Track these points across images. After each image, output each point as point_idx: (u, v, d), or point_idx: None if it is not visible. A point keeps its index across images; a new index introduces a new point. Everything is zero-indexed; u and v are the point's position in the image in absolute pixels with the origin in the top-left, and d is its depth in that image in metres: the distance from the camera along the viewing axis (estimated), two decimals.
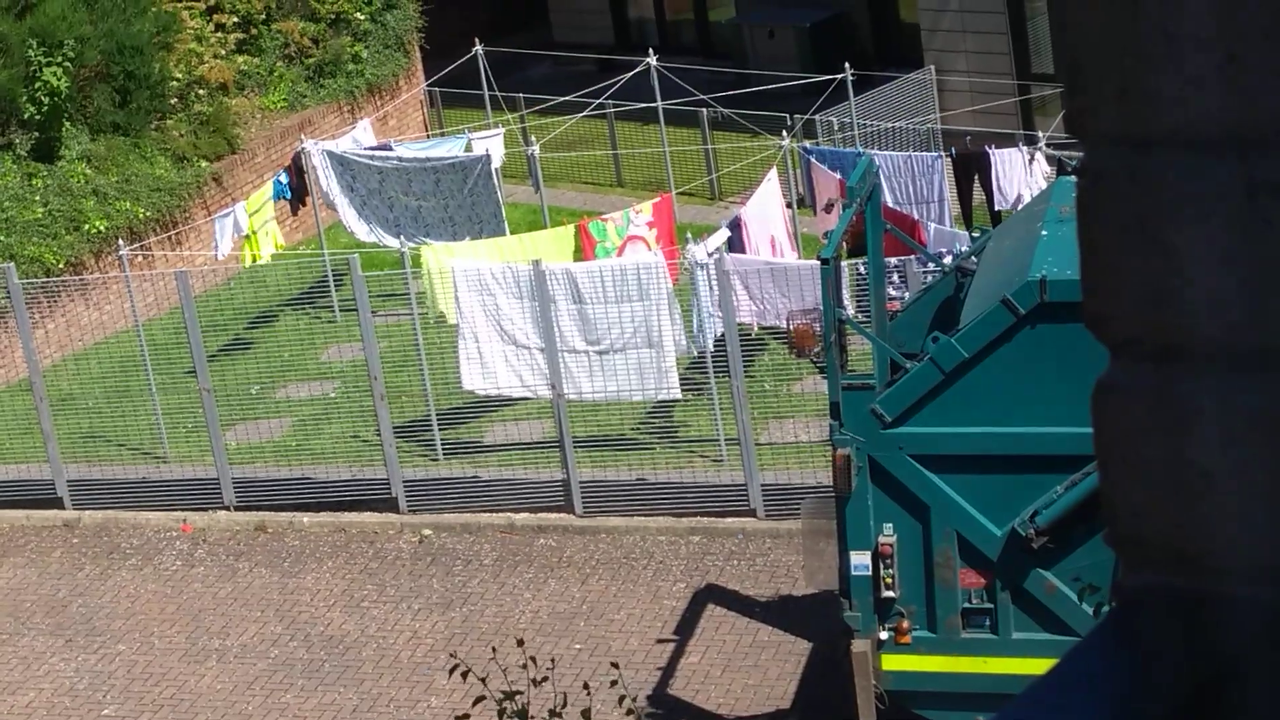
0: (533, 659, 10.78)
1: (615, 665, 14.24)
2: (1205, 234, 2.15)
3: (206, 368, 22.02)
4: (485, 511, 21.11)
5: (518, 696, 9.80)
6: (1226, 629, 2.18)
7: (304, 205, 27.19)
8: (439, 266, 21.99)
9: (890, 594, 14.78)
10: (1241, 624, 2.17)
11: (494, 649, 13.00)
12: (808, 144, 26.28)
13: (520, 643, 11.38)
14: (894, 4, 33.51)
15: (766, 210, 23.33)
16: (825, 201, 23.59)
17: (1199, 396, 2.18)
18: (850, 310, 17.74)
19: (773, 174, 24.27)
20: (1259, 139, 2.11)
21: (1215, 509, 2.20)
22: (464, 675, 10.06)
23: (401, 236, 25.32)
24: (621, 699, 14.14)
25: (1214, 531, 2.20)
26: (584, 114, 30.11)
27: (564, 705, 13.61)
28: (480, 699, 10.00)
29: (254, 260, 25.68)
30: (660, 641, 18.44)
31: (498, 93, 31.18)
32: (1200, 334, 2.17)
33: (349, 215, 26.24)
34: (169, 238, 27.81)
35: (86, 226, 26.67)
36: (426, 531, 20.96)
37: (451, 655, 11.37)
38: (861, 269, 18.78)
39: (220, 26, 30.94)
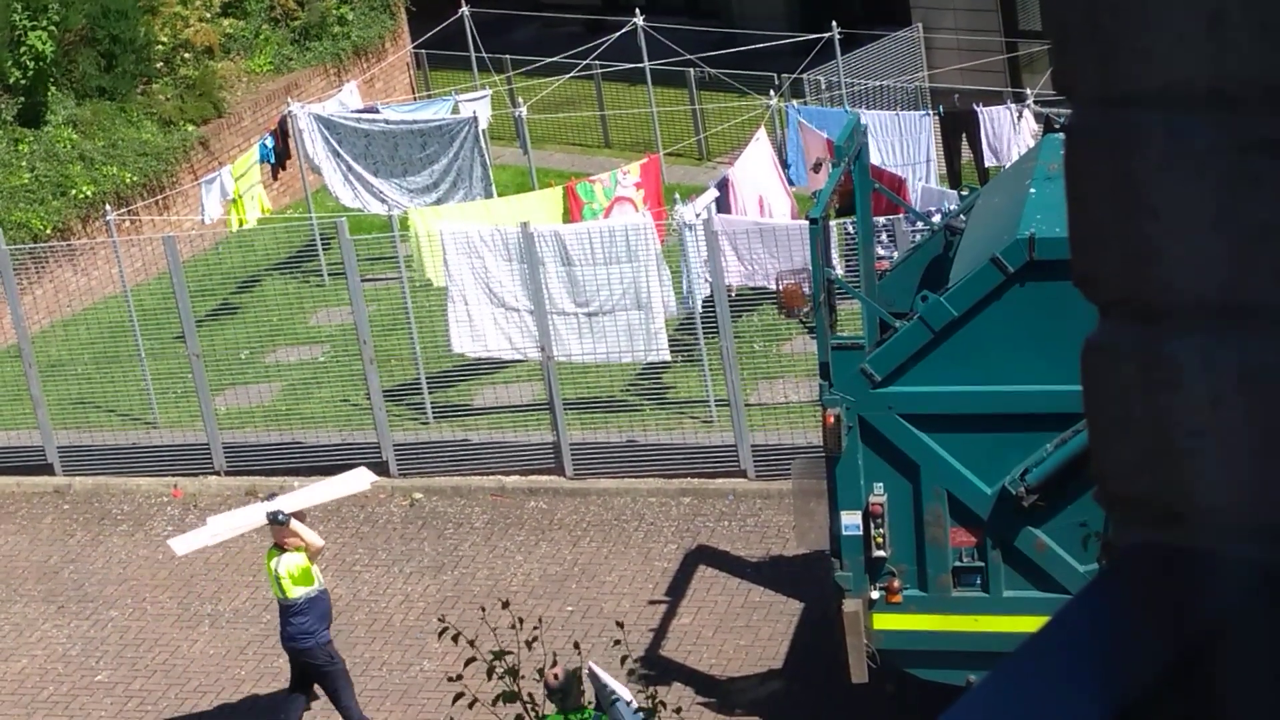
0: (520, 619, 10.80)
1: (620, 624, 14.17)
2: (1193, 193, 2.14)
3: (195, 333, 21.99)
4: (476, 474, 21.11)
5: (507, 656, 9.83)
6: (1214, 587, 2.19)
7: (284, 169, 27.12)
8: (427, 230, 21.96)
9: (881, 553, 14.79)
10: (1230, 582, 2.18)
11: (483, 609, 13.00)
12: (795, 103, 26.24)
13: (505, 604, 11.40)
14: None
15: (756, 170, 23.30)
16: (814, 161, 23.56)
17: (1187, 355, 2.18)
18: (839, 270, 17.73)
19: (761, 133, 24.23)
20: (1246, 97, 2.10)
21: (1204, 467, 2.20)
22: (454, 638, 10.08)
23: (388, 202, 25.28)
24: (624, 659, 14.20)
25: (1203, 489, 2.20)
26: (571, 75, 30.04)
27: (553, 665, 13.71)
28: (471, 660, 10.02)
29: (240, 225, 25.64)
30: (652, 603, 18.46)
31: (484, 54, 31.10)
32: (1188, 293, 2.17)
33: (335, 179, 26.18)
34: (156, 202, 27.75)
35: (73, 192, 26.61)
36: (417, 495, 20.97)
37: (440, 619, 11.38)
38: (850, 228, 18.76)
39: None
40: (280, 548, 16.21)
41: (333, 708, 16.76)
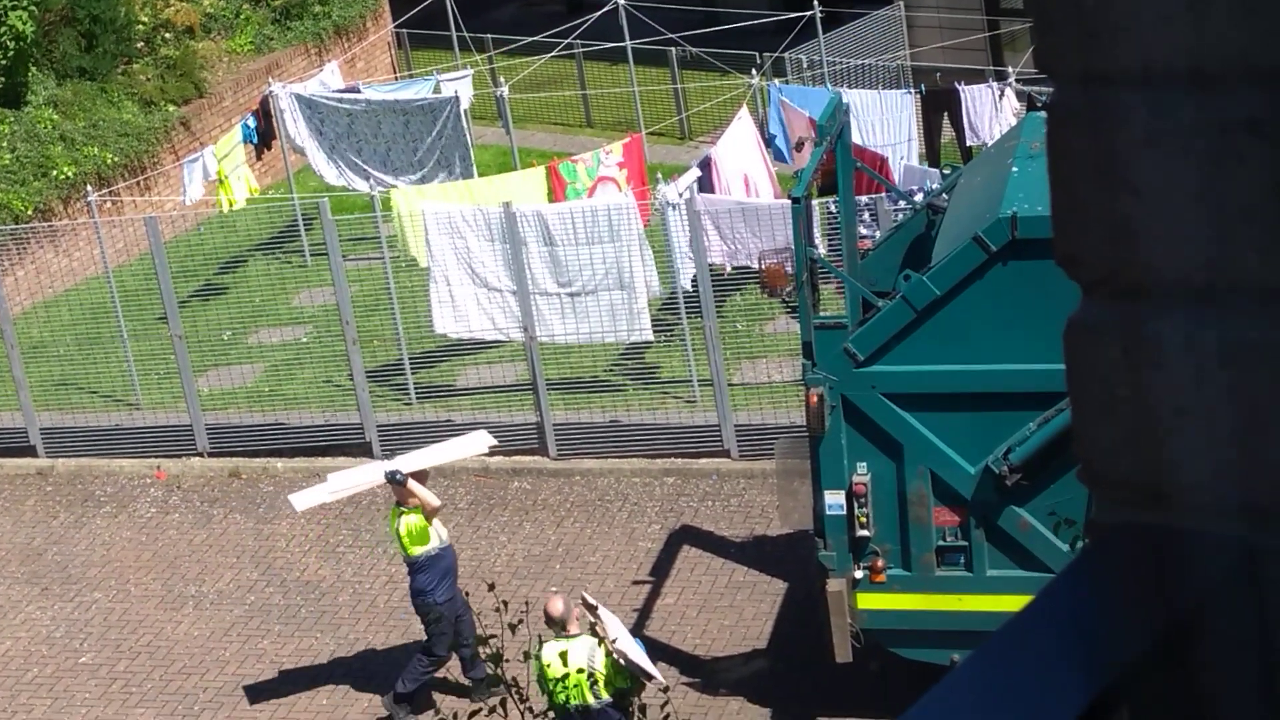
0: (505, 603, 10.81)
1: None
2: (1176, 172, 2.14)
3: (178, 314, 21.95)
4: None
5: (491, 640, 9.85)
6: (1197, 566, 2.19)
7: (268, 149, 27.08)
8: (409, 210, 21.93)
9: (865, 533, 14.81)
10: (1212, 561, 2.18)
11: (467, 594, 13.03)
12: (777, 82, 26.22)
13: (491, 586, 11.45)
14: None
15: (739, 149, 23.29)
16: (796, 140, 23.56)
17: (1170, 334, 2.18)
18: (822, 249, 17.73)
19: (744, 112, 24.21)
20: (1228, 76, 2.10)
21: (1186, 446, 2.20)
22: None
23: (371, 180, 25.23)
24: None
25: (1185, 468, 2.20)
26: (552, 54, 30.01)
27: (540, 648, 13.74)
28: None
29: (230, 205, 25.60)
30: (636, 583, 18.47)
31: (466, 34, 31.07)
32: (1171, 271, 2.17)
33: (318, 159, 26.14)
34: (137, 183, 27.69)
35: (54, 173, 26.54)
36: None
37: None
38: (832, 208, 18.76)
39: None
40: (402, 506, 16.41)
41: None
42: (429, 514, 16.36)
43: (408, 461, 16.79)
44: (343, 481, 17.23)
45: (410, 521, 16.31)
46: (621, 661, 14.19)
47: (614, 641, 14.16)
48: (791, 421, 19.21)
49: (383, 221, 22.89)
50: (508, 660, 10.09)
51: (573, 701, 14.25)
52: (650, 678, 14.32)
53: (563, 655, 12.84)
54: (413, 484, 16.30)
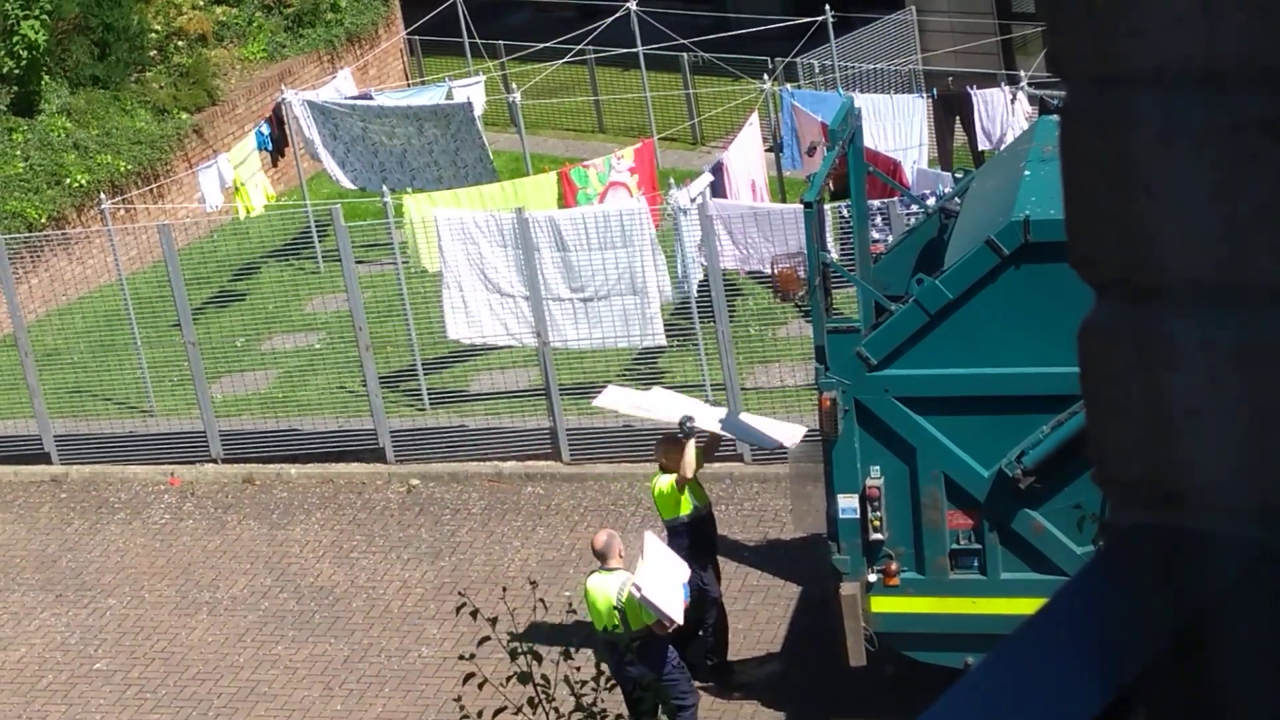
0: (542, 600, 10.85)
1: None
2: (1189, 172, 2.14)
3: (191, 321, 21.97)
4: (472, 461, 21.11)
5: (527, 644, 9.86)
6: (1212, 567, 2.19)
7: (283, 156, 27.10)
8: (421, 216, 21.94)
9: (878, 536, 14.80)
10: (1226, 562, 2.18)
11: (504, 589, 13.16)
12: (789, 87, 26.22)
13: (534, 584, 11.62)
14: None
15: (747, 155, 23.29)
16: (808, 145, 23.56)
17: (1184, 334, 2.18)
18: (834, 253, 17.72)
19: (754, 118, 24.21)
20: (1241, 75, 2.10)
21: (1200, 447, 2.20)
22: (474, 615, 10.07)
23: (386, 183, 25.25)
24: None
25: (1199, 469, 2.20)
26: (565, 60, 30.02)
27: (577, 649, 13.77)
28: (486, 639, 9.99)
29: (248, 213, 25.62)
30: None
31: (478, 40, 31.08)
32: (1184, 272, 2.17)
33: (333, 165, 26.16)
34: (151, 190, 27.72)
35: (68, 180, 26.58)
36: (414, 481, 20.97)
37: (460, 594, 11.37)
38: (845, 212, 18.75)
39: None
40: (663, 470, 16.46)
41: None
42: (679, 481, 16.33)
43: (709, 418, 16.78)
44: (651, 401, 17.23)
45: (663, 484, 16.39)
46: (637, 596, 14.68)
47: (639, 581, 14.73)
48: (805, 426, 19.19)
49: (395, 228, 22.91)
50: (542, 659, 10.03)
51: (610, 628, 14.86)
52: (669, 619, 14.68)
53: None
54: (688, 445, 16.27)
